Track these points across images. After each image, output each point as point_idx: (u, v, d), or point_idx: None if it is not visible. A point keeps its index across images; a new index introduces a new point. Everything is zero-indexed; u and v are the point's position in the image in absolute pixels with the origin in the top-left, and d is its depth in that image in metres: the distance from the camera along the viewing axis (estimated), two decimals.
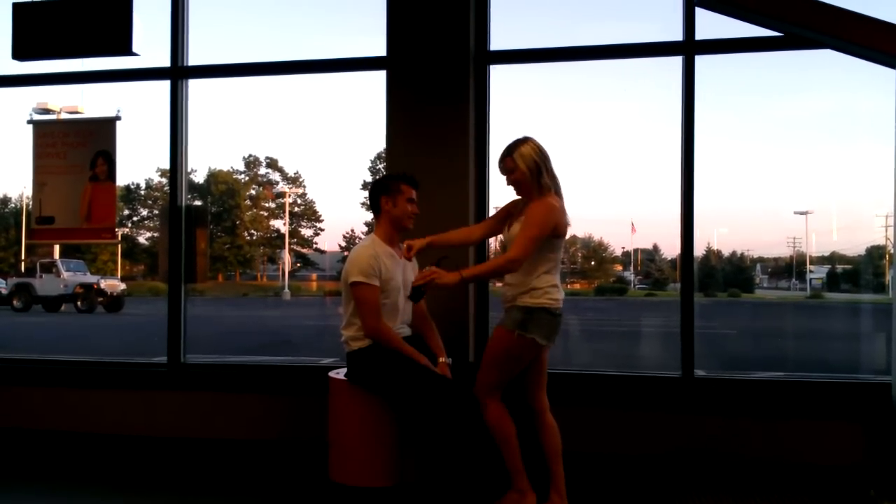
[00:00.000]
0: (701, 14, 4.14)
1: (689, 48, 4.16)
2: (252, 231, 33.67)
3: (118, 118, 4.89)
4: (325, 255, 32.99)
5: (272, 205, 33.97)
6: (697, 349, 4.19)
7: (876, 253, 24.58)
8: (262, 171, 34.24)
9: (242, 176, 33.97)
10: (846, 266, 28.50)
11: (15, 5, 4.76)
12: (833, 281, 28.20)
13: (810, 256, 28.87)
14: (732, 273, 29.10)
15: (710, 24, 4.13)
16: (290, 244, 32.57)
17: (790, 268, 29.69)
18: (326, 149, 41.28)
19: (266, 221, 34.08)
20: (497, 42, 4.41)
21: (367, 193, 10.90)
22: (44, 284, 19.91)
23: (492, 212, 4.35)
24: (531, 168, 3.22)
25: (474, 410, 3.24)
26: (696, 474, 3.95)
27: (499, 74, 4.42)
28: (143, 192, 31.78)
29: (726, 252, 29.60)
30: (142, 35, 4.68)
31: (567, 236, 3.35)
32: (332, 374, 3.61)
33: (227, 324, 17.11)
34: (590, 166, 27.94)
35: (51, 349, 10.95)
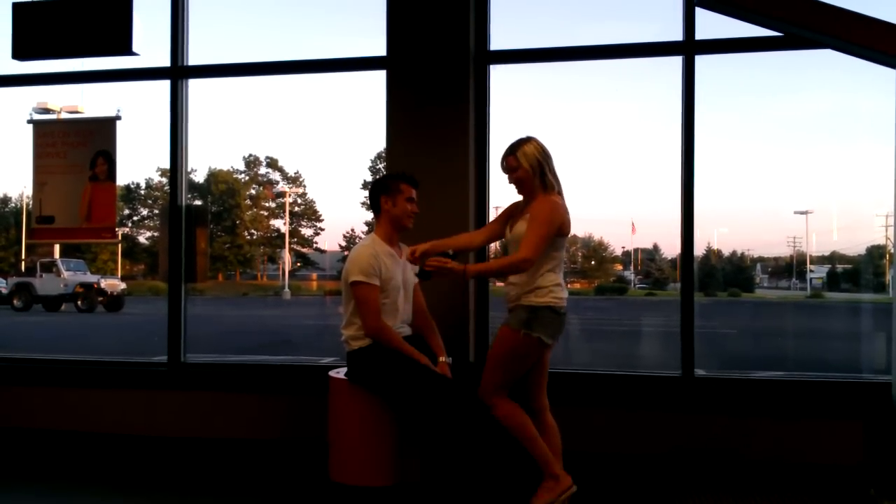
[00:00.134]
0: (701, 14, 4.14)
1: (689, 48, 4.16)
2: (252, 230, 33.66)
3: (118, 118, 4.90)
4: (326, 254, 32.99)
5: (272, 204, 33.98)
6: (697, 349, 4.19)
7: (876, 252, 24.57)
8: (263, 170, 34.25)
9: (242, 175, 33.97)
10: (846, 266, 28.49)
11: (15, 5, 4.76)
12: (833, 280, 28.19)
13: (810, 256, 28.89)
14: (732, 272, 29.09)
15: (710, 24, 4.13)
16: (290, 244, 32.55)
17: (790, 267, 29.69)
18: (326, 148, 41.29)
19: (266, 221, 34.08)
20: (497, 42, 4.41)
21: (367, 193, 10.92)
22: (44, 284, 19.90)
23: (492, 211, 4.36)
24: (534, 167, 3.23)
25: (474, 410, 3.24)
26: (697, 474, 3.95)
27: (499, 74, 4.43)
28: (143, 192, 31.77)
29: (726, 251, 29.61)
30: (142, 35, 4.68)
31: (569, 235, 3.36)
32: (332, 373, 3.61)
33: (227, 323, 17.11)
34: (590, 166, 27.92)
35: (51, 349, 10.95)
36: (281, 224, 33.19)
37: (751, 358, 11.47)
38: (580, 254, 30.26)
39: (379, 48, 4.41)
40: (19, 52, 4.76)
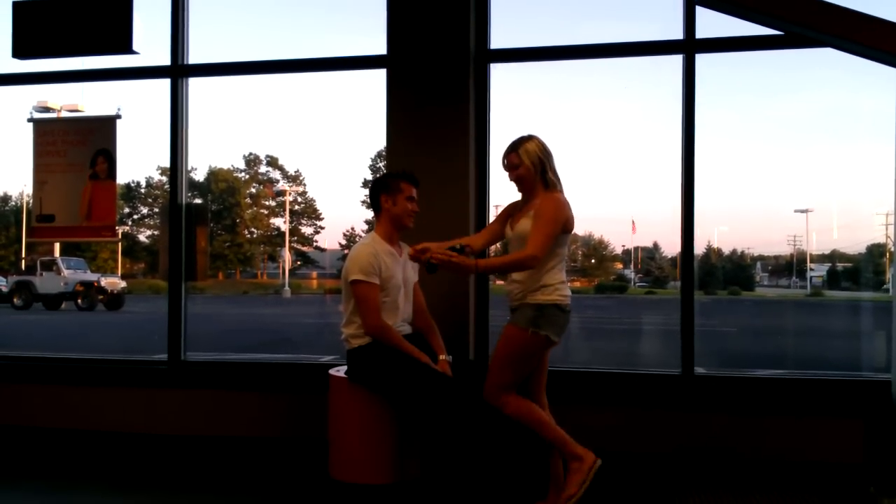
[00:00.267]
0: (701, 13, 4.14)
1: (689, 47, 4.16)
2: (252, 229, 33.64)
3: (118, 116, 4.89)
4: (326, 253, 32.96)
5: (272, 203, 33.95)
6: (697, 347, 4.19)
7: (876, 251, 24.59)
8: (263, 169, 34.20)
9: (243, 174, 33.92)
10: (846, 264, 28.48)
11: (15, 4, 4.76)
12: (833, 279, 28.19)
13: (811, 254, 28.87)
14: (733, 271, 29.08)
15: (711, 23, 4.13)
16: (290, 242, 32.55)
17: (790, 266, 29.69)
18: (327, 147, 41.23)
19: (266, 219, 34.05)
20: (497, 41, 4.41)
21: (367, 192, 10.92)
22: (44, 282, 19.89)
23: (492, 211, 4.37)
24: (535, 164, 3.23)
25: (474, 408, 3.24)
26: (697, 472, 3.95)
27: (499, 73, 4.42)
28: (143, 191, 31.72)
29: (727, 250, 29.59)
30: (142, 33, 4.69)
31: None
32: (332, 371, 3.62)
33: (227, 322, 17.11)
34: (590, 165, 27.85)
35: (51, 347, 10.94)
36: (281, 222, 33.19)
37: (751, 356, 11.46)
38: (580, 252, 30.27)
39: (379, 47, 4.41)
40: (19, 51, 4.77)
